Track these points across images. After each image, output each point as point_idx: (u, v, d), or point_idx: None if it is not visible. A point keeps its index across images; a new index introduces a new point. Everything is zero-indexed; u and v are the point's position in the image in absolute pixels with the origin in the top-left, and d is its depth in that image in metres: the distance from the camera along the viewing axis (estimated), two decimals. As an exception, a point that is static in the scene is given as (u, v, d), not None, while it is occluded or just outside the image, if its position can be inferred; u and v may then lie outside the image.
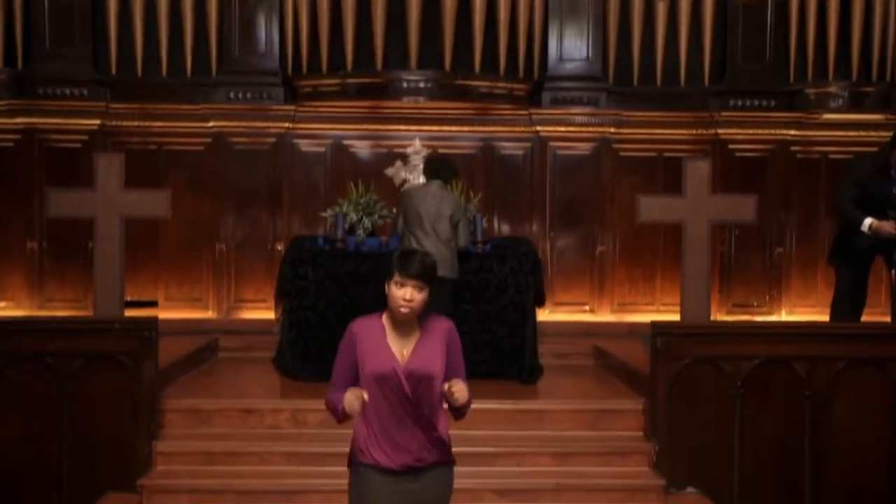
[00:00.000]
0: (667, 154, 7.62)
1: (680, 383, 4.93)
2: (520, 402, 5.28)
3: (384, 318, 3.01)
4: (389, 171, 6.74)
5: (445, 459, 3.05)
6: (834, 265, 6.08)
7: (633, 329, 7.12)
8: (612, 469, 4.85)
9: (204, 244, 7.55)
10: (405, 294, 2.89)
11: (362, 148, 7.69)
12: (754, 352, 4.90)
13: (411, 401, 2.91)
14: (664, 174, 7.56)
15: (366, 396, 2.84)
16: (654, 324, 5.02)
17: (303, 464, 4.84)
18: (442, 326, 3.02)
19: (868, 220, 5.42)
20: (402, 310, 2.89)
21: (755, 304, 7.58)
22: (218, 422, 5.11)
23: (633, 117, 7.56)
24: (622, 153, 7.68)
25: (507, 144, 7.71)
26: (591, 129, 7.58)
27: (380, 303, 3.09)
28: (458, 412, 3.00)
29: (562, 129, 7.58)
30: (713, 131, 7.54)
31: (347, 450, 4.95)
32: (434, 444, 2.96)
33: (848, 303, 5.74)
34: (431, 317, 3.03)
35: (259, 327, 7.05)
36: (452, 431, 3.04)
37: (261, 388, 5.70)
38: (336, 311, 5.76)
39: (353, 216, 6.29)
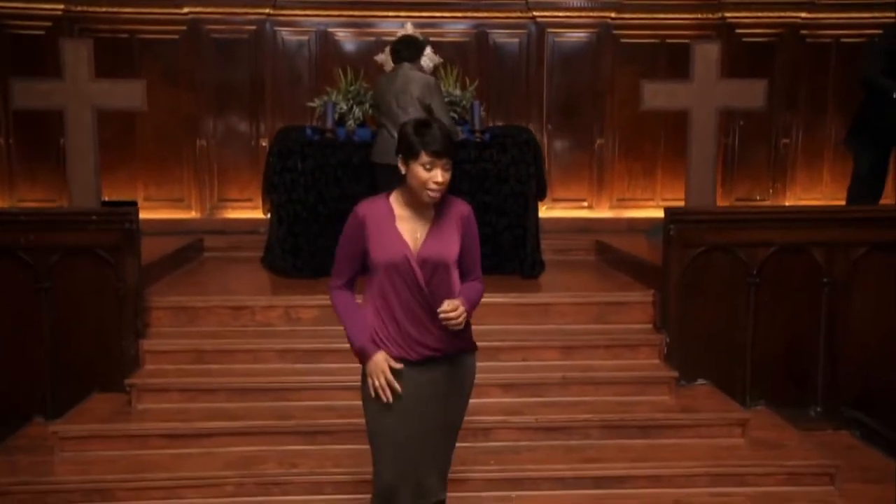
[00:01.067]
0: (670, 41, 7.23)
1: (693, 272, 4.71)
2: (523, 295, 5.04)
3: (392, 199, 2.72)
4: (380, 58, 6.33)
5: (466, 347, 2.81)
6: (852, 148, 5.73)
7: (633, 225, 6.91)
8: (620, 362, 4.65)
9: (183, 141, 7.16)
10: (436, 177, 2.59)
11: (347, 37, 7.24)
12: (771, 238, 4.66)
13: (425, 292, 2.65)
14: (667, 63, 7.18)
15: (389, 368, 2.66)
16: (667, 210, 4.75)
17: (297, 361, 4.62)
18: (460, 210, 2.73)
19: None
20: (433, 194, 2.61)
21: (758, 197, 7.34)
22: (208, 320, 4.85)
23: (634, 1, 7.13)
24: (623, 40, 7.27)
25: (501, 32, 7.27)
26: (590, 13, 7.17)
27: (375, 193, 2.81)
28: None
29: (560, 14, 7.15)
30: (720, 14, 7.13)
31: (343, 346, 4.74)
32: (452, 336, 2.71)
33: (866, 188, 5.44)
34: (447, 198, 2.73)
35: (245, 227, 6.76)
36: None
37: (251, 285, 5.43)
38: (327, 205, 5.46)
39: (343, 105, 5.92)
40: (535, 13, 7.13)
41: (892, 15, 6.68)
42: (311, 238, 5.45)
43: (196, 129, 7.12)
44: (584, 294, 5.04)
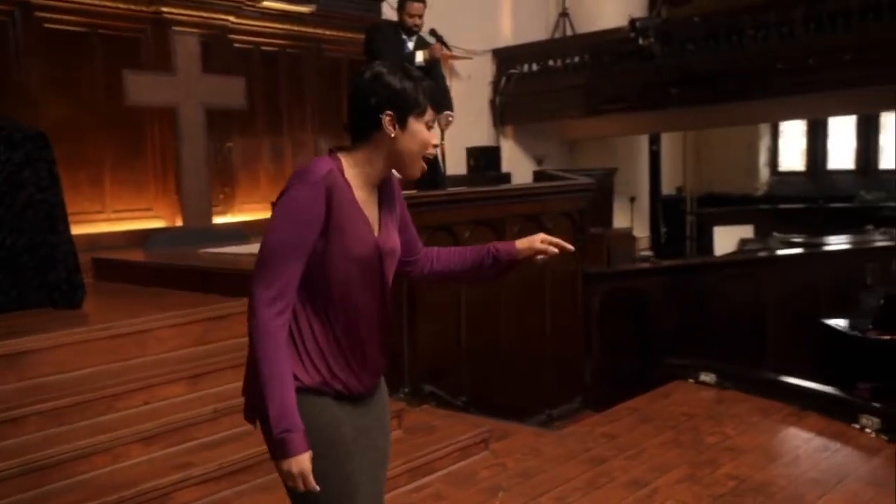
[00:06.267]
0: (102, 31, 6.36)
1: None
2: (110, 325, 3.85)
3: (345, 166, 1.89)
4: None
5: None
6: None
7: (93, 242, 5.91)
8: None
9: None
10: (435, 138, 1.95)
11: None
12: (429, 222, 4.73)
13: (386, 290, 1.98)
14: (104, 57, 6.31)
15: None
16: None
17: None
18: (392, 180, 2.07)
19: (419, 53, 5.34)
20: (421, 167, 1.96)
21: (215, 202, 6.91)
22: None
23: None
24: (47, 24, 6.09)
25: None
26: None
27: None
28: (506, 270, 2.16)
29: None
30: (155, 8, 6.55)
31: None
32: (383, 350, 2.04)
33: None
34: None
35: None
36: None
37: None
38: None
39: None
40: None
41: (300, 29, 7.27)
42: None
43: None
44: (183, 313, 4.13)
